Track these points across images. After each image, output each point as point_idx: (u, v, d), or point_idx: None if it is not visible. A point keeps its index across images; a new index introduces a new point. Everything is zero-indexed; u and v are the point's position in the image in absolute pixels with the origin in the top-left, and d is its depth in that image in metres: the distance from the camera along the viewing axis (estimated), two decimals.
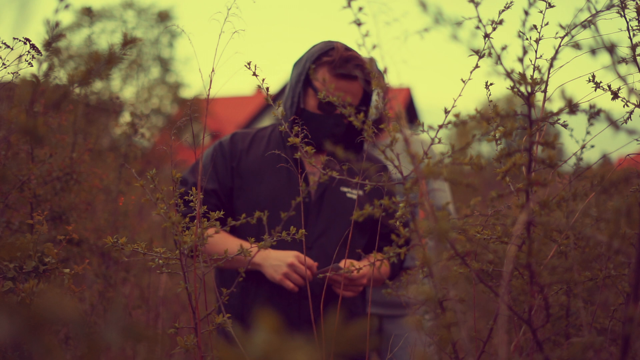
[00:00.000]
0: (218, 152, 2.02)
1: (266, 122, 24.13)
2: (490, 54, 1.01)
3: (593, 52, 0.87)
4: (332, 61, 1.92)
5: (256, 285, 1.93)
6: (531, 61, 1.36)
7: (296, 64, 2.03)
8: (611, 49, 0.86)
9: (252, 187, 1.98)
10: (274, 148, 2.03)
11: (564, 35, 1.27)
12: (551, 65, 1.15)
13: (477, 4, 1.06)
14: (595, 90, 1.45)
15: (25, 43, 1.57)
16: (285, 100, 2.02)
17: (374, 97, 2.79)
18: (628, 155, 1.67)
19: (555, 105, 2.37)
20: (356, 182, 1.31)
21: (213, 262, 1.49)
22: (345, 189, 2.03)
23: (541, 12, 1.38)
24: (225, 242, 1.85)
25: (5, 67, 1.65)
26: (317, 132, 1.95)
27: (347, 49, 1.94)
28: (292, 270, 1.80)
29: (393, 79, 1.93)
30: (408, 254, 2.51)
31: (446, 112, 1.25)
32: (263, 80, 1.54)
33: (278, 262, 1.81)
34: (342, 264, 1.87)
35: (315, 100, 1.96)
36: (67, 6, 0.88)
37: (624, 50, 1.44)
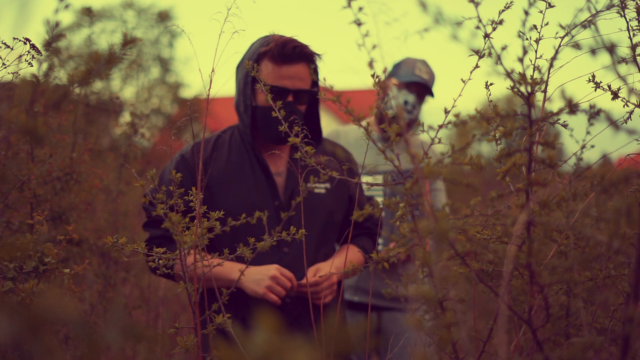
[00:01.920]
0: (180, 167, 1.93)
1: None
2: (490, 54, 1.01)
3: (593, 52, 0.87)
4: (270, 50, 1.89)
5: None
6: (531, 61, 1.36)
7: (239, 67, 2.00)
8: (611, 49, 0.86)
9: (221, 196, 1.93)
10: (236, 152, 1.99)
11: (564, 35, 1.27)
12: (551, 65, 1.15)
13: (477, 4, 1.06)
14: (595, 90, 1.45)
15: (25, 43, 1.57)
16: (237, 105, 1.99)
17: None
18: (628, 155, 1.67)
19: (555, 105, 2.37)
20: (356, 182, 1.31)
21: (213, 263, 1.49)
22: (309, 186, 2.02)
23: (541, 12, 1.38)
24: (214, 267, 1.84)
25: (5, 67, 1.65)
26: (275, 125, 1.90)
27: (284, 36, 1.91)
28: (275, 282, 1.79)
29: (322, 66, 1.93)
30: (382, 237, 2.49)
31: (446, 112, 1.25)
32: (263, 79, 1.53)
33: (260, 275, 1.79)
34: (311, 272, 1.87)
35: (264, 94, 1.94)
36: (67, 6, 0.88)
37: (624, 50, 1.44)
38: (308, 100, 1.97)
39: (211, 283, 1.75)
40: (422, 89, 2.75)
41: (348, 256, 2.01)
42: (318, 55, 1.94)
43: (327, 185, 2.03)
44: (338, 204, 2.04)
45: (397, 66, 2.79)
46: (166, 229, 1.88)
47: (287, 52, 1.87)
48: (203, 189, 1.94)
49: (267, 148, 2.02)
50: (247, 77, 1.93)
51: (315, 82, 1.98)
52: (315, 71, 1.94)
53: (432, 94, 2.80)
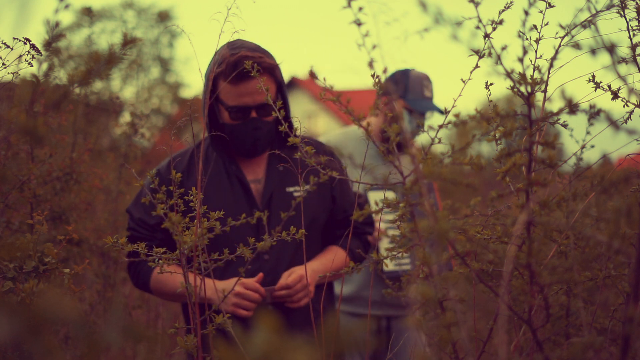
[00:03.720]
0: (158, 184, 1.93)
1: None
2: (490, 54, 1.01)
3: (593, 52, 0.87)
4: (223, 72, 1.84)
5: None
6: (531, 61, 1.36)
7: (203, 89, 1.96)
8: (611, 49, 0.86)
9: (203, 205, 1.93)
10: (213, 164, 1.98)
11: (564, 35, 1.27)
12: (551, 65, 1.15)
13: (477, 4, 1.06)
14: (595, 90, 1.45)
15: (25, 43, 1.57)
16: (206, 124, 1.96)
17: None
18: (628, 155, 1.67)
19: (555, 105, 2.37)
20: (356, 182, 1.31)
21: (213, 263, 1.49)
22: (291, 189, 1.98)
23: (541, 12, 1.38)
24: (174, 280, 1.81)
25: (5, 67, 1.65)
26: (242, 141, 1.92)
27: (232, 53, 1.85)
28: (241, 298, 1.77)
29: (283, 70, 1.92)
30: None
31: (446, 112, 1.25)
32: (263, 80, 1.54)
33: (225, 292, 1.74)
34: (284, 276, 1.85)
35: (226, 113, 1.91)
36: (67, 6, 0.88)
37: (624, 50, 1.44)
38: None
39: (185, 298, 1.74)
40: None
41: (330, 257, 1.98)
42: (274, 65, 1.89)
43: (306, 187, 2.01)
44: (321, 204, 2.01)
45: (403, 84, 2.73)
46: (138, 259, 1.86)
47: (240, 71, 1.81)
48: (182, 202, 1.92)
49: (241, 158, 2.01)
50: (205, 97, 1.90)
51: (280, 89, 1.94)
52: (276, 78, 1.89)
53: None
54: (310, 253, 1.97)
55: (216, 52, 1.88)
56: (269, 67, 1.87)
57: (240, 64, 1.81)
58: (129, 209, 1.99)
